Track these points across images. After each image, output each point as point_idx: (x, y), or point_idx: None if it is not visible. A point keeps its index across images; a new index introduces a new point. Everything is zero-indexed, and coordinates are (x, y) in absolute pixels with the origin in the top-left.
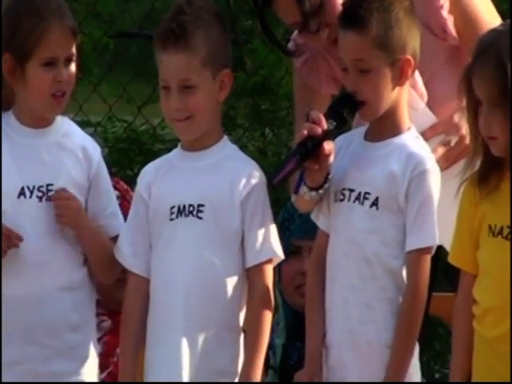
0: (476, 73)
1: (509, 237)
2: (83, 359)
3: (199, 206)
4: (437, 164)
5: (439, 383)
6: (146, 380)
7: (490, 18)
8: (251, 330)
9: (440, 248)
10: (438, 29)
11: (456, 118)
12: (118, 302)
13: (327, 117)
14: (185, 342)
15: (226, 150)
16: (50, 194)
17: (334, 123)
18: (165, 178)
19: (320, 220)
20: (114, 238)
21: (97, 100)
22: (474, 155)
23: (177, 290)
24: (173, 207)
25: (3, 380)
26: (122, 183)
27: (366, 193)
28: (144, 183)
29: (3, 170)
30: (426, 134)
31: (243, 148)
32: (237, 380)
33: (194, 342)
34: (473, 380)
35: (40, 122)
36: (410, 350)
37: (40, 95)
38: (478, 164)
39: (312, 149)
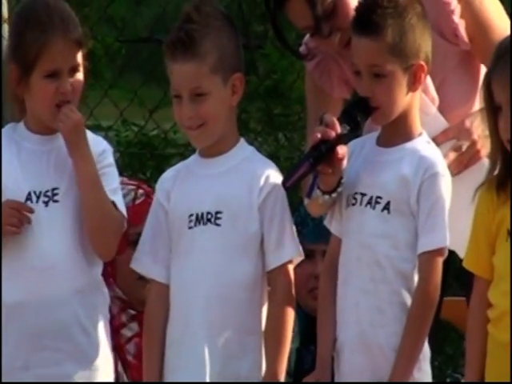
0: (495, 77)
1: None
2: (96, 363)
3: (217, 213)
4: (448, 169)
5: (447, 383)
6: None
7: (500, 23)
8: (274, 330)
9: (451, 252)
10: (449, 33)
11: (467, 122)
12: (140, 302)
13: (341, 121)
14: (207, 350)
15: (243, 152)
16: (55, 197)
17: (348, 127)
18: (183, 185)
19: (333, 225)
20: None
21: (108, 104)
22: (495, 161)
23: (197, 299)
24: (191, 215)
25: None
26: (145, 186)
27: (377, 197)
28: (163, 191)
29: (11, 175)
30: (438, 139)
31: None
32: None
33: (216, 350)
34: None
35: (48, 129)
36: (416, 352)
37: (44, 106)
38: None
39: (325, 152)
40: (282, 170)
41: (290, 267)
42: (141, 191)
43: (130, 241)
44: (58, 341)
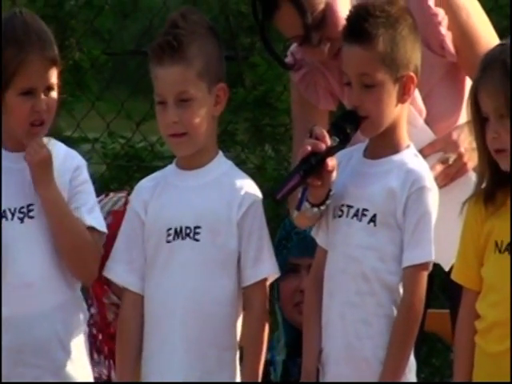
0: (482, 86)
1: None
2: (74, 378)
3: (196, 227)
4: (435, 181)
5: (438, 383)
6: None
7: (486, 35)
8: (249, 348)
9: (436, 264)
10: (436, 45)
11: (454, 135)
12: None
13: (330, 133)
14: (185, 366)
15: (222, 167)
16: (30, 214)
17: (338, 140)
18: (161, 197)
19: (319, 236)
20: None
21: (95, 117)
22: (483, 173)
23: (175, 314)
24: (169, 229)
25: None
26: None
27: (364, 209)
28: (140, 200)
29: None
30: (425, 151)
31: (242, 163)
32: None
33: (193, 365)
34: None
35: (23, 146)
36: (402, 365)
37: (18, 123)
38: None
39: (316, 165)
40: (268, 181)
41: (266, 285)
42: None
43: None
44: (37, 357)
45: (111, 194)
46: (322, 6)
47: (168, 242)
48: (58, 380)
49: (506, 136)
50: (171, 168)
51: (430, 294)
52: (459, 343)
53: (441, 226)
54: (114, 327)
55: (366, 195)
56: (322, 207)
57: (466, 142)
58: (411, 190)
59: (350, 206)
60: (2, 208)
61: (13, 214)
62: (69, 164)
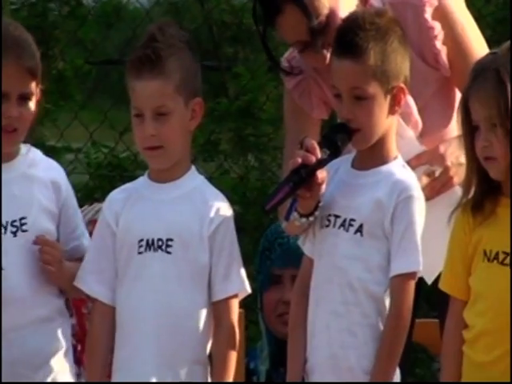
0: (474, 94)
1: (505, 262)
2: None
3: (168, 240)
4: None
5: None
6: None
7: (480, 48)
8: (217, 365)
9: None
10: (431, 58)
11: (442, 148)
12: None
13: (321, 145)
14: (156, 377)
15: (194, 181)
16: (23, 227)
17: (328, 152)
18: (133, 209)
19: (306, 246)
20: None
21: (78, 126)
22: (470, 183)
23: (146, 326)
24: (141, 240)
25: None
26: None
27: (351, 219)
28: (111, 212)
29: None
30: (411, 163)
31: (225, 173)
32: None
33: (164, 378)
34: None
35: (4, 156)
36: (389, 375)
37: None
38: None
39: (306, 177)
40: (251, 191)
41: (235, 301)
42: None
43: None
44: (30, 370)
45: (94, 204)
46: (325, 11)
47: (139, 253)
48: None
49: (497, 144)
50: (143, 180)
51: (415, 304)
52: (446, 353)
53: (425, 239)
54: None
55: (353, 206)
56: (311, 218)
57: (453, 157)
58: (398, 200)
59: (337, 216)
60: None
61: (5, 228)
62: (58, 178)
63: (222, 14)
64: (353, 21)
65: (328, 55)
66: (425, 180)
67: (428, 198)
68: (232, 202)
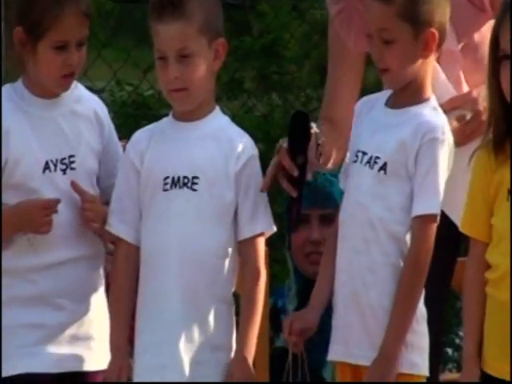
0: (503, 23)
1: None
2: (98, 324)
3: (194, 178)
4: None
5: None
6: (136, 352)
7: None
8: (245, 304)
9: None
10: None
11: (475, 93)
12: None
13: (294, 155)
14: (180, 314)
15: (219, 121)
16: (72, 165)
17: (303, 157)
18: (158, 148)
19: (342, 180)
20: None
21: (102, 65)
22: (493, 118)
23: (171, 263)
24: (166, 178)
25: (22, 341)
26: None
27: (376, 157)
28: (136, 151)
29: (26, 147)
30: (444, 106)
31: (249, 111)
32: (231, 354)
33: (190, 314)
34: (485, 347)
35: (51, 93)
36: (408, 315)
37: (49, 75)
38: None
39: (301, 177)
40: (275, 129)
41: (261, 240)
42: None
43: None
44: (71, 302)
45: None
46: None
47: (165, 190)
48: (82, 326)
49: None
50: (167, 120)
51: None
52: (468, 294)
53: (456, 186)
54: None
55: (379, 144)
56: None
57: (486, 102)
58: (422, 141)
59: (364, 153)
60: (44, 159)
61: (55, 166)
62: (101, 115)
63: None
64: None
65: None
66: (455, 124)
67: (459, 144)
68: (256, 141)
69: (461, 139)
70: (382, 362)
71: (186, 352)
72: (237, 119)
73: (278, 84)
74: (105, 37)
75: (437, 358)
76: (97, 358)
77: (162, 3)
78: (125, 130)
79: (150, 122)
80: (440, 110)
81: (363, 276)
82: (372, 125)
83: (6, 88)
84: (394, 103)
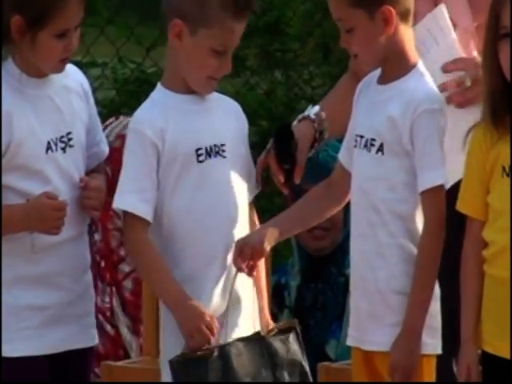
0: (503, 1)
1: None
2: (92, 299)
3: (222, 145)
4: (450, 99)
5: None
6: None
7: None
8: None
9: None
10: None
11: (478, 58)
12: None
13: (280, 163)
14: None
15: (213, 93)
16: (70, 142)
17: (288, 165)
18: (179, 123)
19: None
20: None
21: (105, 42)
22: (489, 94)
23: (219, 230)
24: (199, 149)
25: (26, 323)
26: None
27: (372, 139)
28: (155, 130)
29: (27, 126)
30: (448, 67)
31: (252, 89)
32: None
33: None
34: (483, 325)
35: (42, 72)
36: (429, 284)
37: (48, 61)
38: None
39: (290, 179)
40: (278, 106)
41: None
42: None
43: None
44: (71, 281)
45: (121, 118)
46: None
47: (200, 161)
48: (83, 302)
49: None
50: (171, 94)
51: None
52: (466, 272)
53: (454, 146)
54: (118, 255)
55: (372, 124)
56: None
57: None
58: (414, 115)
59: (361, 136)
60: (46, 140)
61: (56, 145)
62: (85, 86)
63: None
64: None
65: None
66: (454, 84)
67: (459, 106)
68: (259, 118)
69: (461, 102)
70: (408, 335)
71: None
72: (240, 96)
73: (281, 61)
74: (108, 14)
75: (452, 337)
76: (94, 332)
77: (246, 3)
78: (127, 107)
79: None
80: (428, 76)
81: (371, 260)
82: (365, 105)
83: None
84: (382, 79)
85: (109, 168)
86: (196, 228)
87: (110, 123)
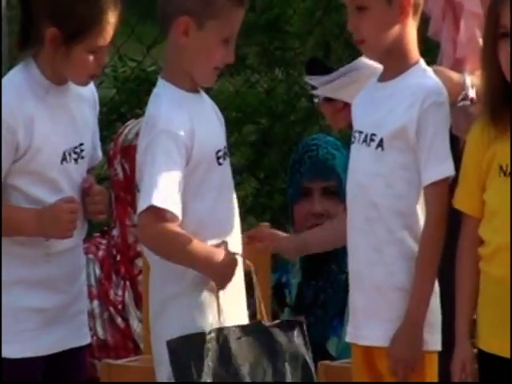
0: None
1: None
2: (85, 298)
3: (224, 147)
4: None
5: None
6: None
7: None
8: None
9: None
10: None
11: (463, 78)
12: None
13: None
14: None
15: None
16: (82, 154)
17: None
18: (202, 123)
19: None
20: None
21: None
22: (488, 94)
23: (237, 234)
24: (219, 151)
25: (24, 325)
26: None
27: (372, 134)
28: (186, 131)
29: (46, 134)
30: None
31: (252, 87)
32: None
33: None
34: (478, 323)
35: (65, 79)
36: (430, 276)
37: (79, 75)
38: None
39: None
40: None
41: None
42: None
43: None
44: (69, 285)
45: (140, 118)
46: None
47: (220, 164)
48: (79, 302)
49: None
50: (179, 91)
51: None
52: (462, 271)
53: None
54: (134, 250)
55: (373, 120)
56: None
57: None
58: (422, 108)
59: (360, 132)
60: (62, 150)
61: (70, 155)
62: (95, 92)
63: None
64: None
65: None
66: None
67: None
68: (259, 116)
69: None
70: (409, 328)
71: None
72: (240, 95)
73: (282, 59)
74: None
75: (452, 334)
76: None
77: None
78: (127, 106)
79: None
80: (430, 71)
81: (369, 257)
82: (365, 103)
83: (20, 71)
84: (384, 76)
85: (127, 165)
86: (219, 231)
87: (129, 124)
